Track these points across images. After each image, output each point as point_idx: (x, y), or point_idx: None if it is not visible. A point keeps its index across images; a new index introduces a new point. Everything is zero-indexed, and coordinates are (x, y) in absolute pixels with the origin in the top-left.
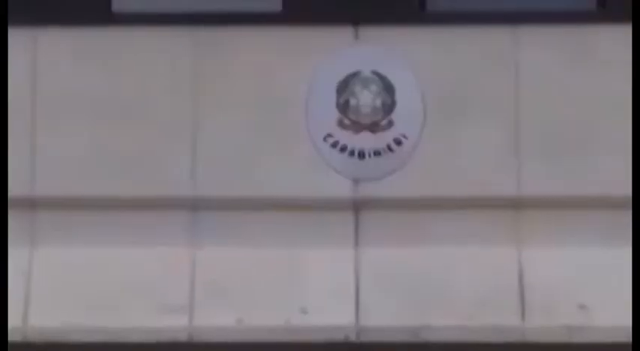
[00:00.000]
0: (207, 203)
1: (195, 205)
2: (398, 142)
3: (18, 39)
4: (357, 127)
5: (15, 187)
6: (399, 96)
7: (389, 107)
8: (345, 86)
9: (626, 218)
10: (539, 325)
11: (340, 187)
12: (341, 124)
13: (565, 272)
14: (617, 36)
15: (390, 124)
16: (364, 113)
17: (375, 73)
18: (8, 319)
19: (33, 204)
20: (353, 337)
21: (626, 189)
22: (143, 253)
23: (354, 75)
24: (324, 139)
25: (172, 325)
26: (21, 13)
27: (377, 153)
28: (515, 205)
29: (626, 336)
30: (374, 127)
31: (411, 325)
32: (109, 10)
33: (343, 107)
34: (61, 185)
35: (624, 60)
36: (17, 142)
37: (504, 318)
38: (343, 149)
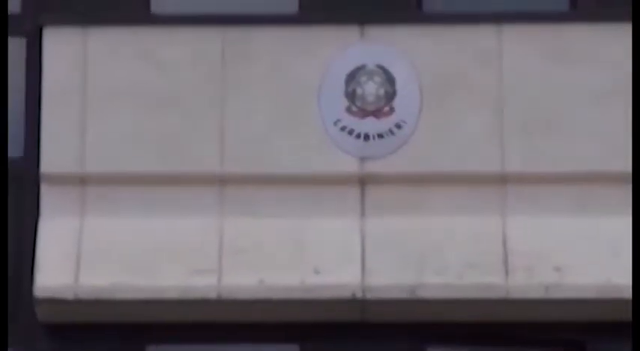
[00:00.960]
0: (232, 179)
1: (222, 181)
2: (398, 126)
3: (71, 36)
4: (363, 113)
5: (67, 165)
6: (399, 86)
7: (390, 96)
8: (352, 78)
9: (596, 192)
10: (520, 283)
11: (348, 165)
12: (349, 110)
13: (543, 239)
14: (586, 33)
15: (392, 110)
16: (369, 101)
17: (379, 67)
18: (61, 279)
19: (83, 179)
20: (359, 295)
21: (596, 166)
22: (178, 222)
23: (360, 68)
24: (334, 123)
25: (203, 284)
26: (73, 14)
27: (380, 135)
28: (500, 180)
29: (595, 293)
30: (377, 113)
31: (409, 284)
32: (149, 12)
33: (351, 96)
34: (107, 163)
35: (593, 53)
36: (69, 126)
37: (490, 278)
38: (351, 132)
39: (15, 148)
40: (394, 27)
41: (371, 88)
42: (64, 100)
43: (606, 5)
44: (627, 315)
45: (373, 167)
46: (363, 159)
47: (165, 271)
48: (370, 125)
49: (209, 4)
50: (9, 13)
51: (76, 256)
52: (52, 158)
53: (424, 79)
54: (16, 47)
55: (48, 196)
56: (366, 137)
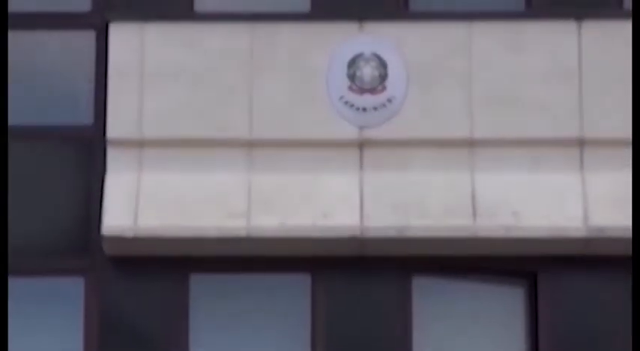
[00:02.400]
0: (259, 143)
1: (250, 144)
2: (389, 101)
3: (131, 29)
4: (361, 90)
5: (128, 131)
6: (390, 70)
7: (383, 77)
8: (353, 63)
9: (546, 153)
10: (485, 225)
11: (350, 132)
12: (350, 88)
13: (503, 190)
14: (538, 28)
15: (384, 88)
16: (366, 81)
17: (374, 54)
18: (123, 220)
19: (141, 143)
20: (358, 234)
21: (546, 133)
22: (215, 176)
23: (359, 55)
24: (339, 99)
25: (235, 225)
26: (132, 12)
27: (375, 108)
28: (470, 144)
29: (545, 232)
30: (373, 91)
31: (398, 225)
32: (192, 10)
33: (352, 77)
34: (159, 129)
35: (544, 44)
36: (129, 100)
37: (461, 220)
38: (352, 106)
39: (86, 118)
40: (386, 22)
41: (368, 71)
42: (125, 80)
43: (555, 5)
44: (569, 251)
45: (370, 134)
46: (361, 127)
47: (205, 215)
48: (367, 100)
49: (240, 3)
50: (80, 11)
51: (134, 203)
52: (116, 126)
53: (410, 64)
54: (88, 38)
55: (112, 156)
56: (364, 110)
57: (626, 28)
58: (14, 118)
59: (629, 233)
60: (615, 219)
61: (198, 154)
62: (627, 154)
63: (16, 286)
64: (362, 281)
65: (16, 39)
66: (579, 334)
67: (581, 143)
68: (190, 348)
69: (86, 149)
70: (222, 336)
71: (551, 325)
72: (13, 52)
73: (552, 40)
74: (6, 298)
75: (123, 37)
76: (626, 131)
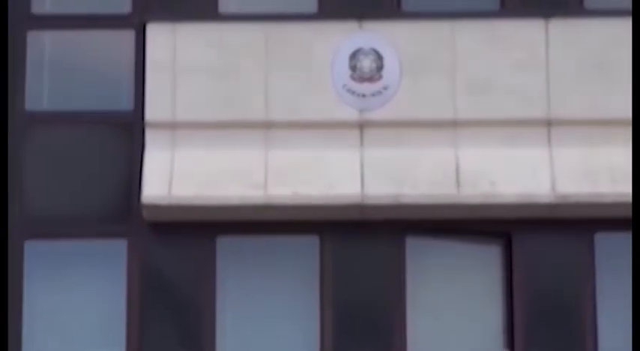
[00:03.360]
0: (274, 124)
1: (267, 125)
2: (385, 88)
3: (164, 29)
4: (361, 79)
5: (163, 115)
6: (385, 62)
7: (380, 68)
8: (353, 56)
9: (519, 132)
10: (467, 193)
11: (351, 115)
12: (352, 78)
13: (482, 163)
14: (512, 25)
15: (381, 77)
16: (365, 72)
17: (372, 49)
18: (159, 190)
19: (174, 125)
20: (359, 201)
21: (519, 114)
22: (237, 153)
23: (359, 49)
24: (342, 87)
25: (255, 194)
26: (166, 14)
27: (373, 95)
28: (453, 124)
29: (518, 199)
30: (371, 80)
31: (393, 194)
32: (217, 12)
33: (353, 68)
34: (190, 113)
35: (517, 39)
36: (163, 89)
37: (447, 189)
38: (353, 92)
39: (128, 104)
40: (382, 21)
41: (366, 63)
42: (160, 72)
43: (525, 6)
44: (538, 214)
45: (368, 116)
46: (361, 111)
47: (229, 186)
48: (366, 88)
49: (257, 5)
50: (122, 13)
51: (169, 175)
52: (153, 111)
53: (402, 56)
54: (128, 37)
55: (150, 137)
56: (364, 96)
57: (585, 24)
58: (69, 104)
59: (590, 199)
60: (578, 187)
61: (222, 135)
62: (589, 132)
63: (68, 248)
64: (362, 242)
65: (68, 37)
66: (548, 286)
67: (548, 123)
68: (217, 300)
69: (128, 131)
70: (244, 289)
71: (524, 278)
72: (66, 49)
73: (523, 35)
74: (6, 298)
75: (158, 35)
76: (588, 112)
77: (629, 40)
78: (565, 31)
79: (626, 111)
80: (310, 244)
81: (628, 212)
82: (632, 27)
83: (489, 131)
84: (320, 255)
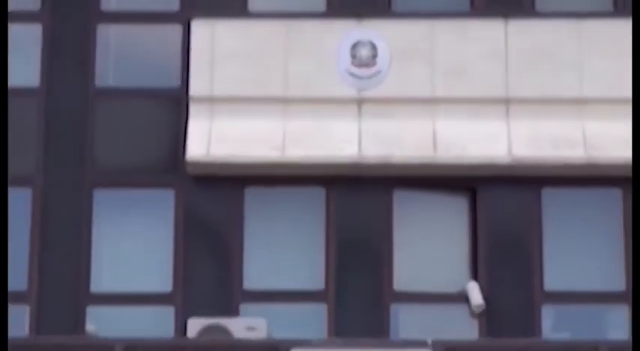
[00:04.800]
0: (291, 100)
1: (286, 101)
2: (379, 72)
3: (204, 24)
4: (360, 65)
5: (203, 91)
6: (379, 51)
7: (374, 56)
8: (354, 46)
9: (485, 108)
10: (442, 155)
11: (351, 93)
12: (352, 63)
13: (454, 132)
14: (479, 23)
15: (375, 63)
16: (363, 59)
17: (368, 41)
18: (200, 150)
19: (212, 99)
20: (357, 161)
21: (484, 94)
22: (261, 122)
23: (358, 41)
24: (345, 71)
25: (275, 155)
26: (205, 12)
27: (369, 77)
28: (432, 101)
29: (481, 160)
30: (367, 65)
31: (384, 155)
32: (247, 10)
33: (353, 56)
34: (224, 90)
35: (485, 35)
36: (204, 71)
37: (426, 152)
38: (353, 75)
39: (176, 82)
40: (376, 19)
41: (364, 53)
42: (201, 58)
43: (489, 7)
44: (498, 173)
45: (365, 94)
46: (359, 90)
47: (255, 148)
48: (363, 72)
49: (278, 5)
50: (171, 11)
51: (207, 139)
52: (196, 88)
53: (392, 47)
54: (177, 30)
55: (193, 108)
56: (361, 78)
57: (537, 23)
58: (130, 82)
59: (538, 161)
60: (529, 151)
61: (249, 107)
62: (538, 108)
63: (127, 196)
64: (359, 193)
65: (129, 29)
66: (505, 230)
67: (507, 101)
68: (244, 238)
69: (176, 103)
70: (266, 230)
71: (486, 223)
72: (127, 38)
73: (487, 31)
74: (6, 297)
75: (199, 29)
76: (538, 93)
77: (572, 35)
78: (520, 28)
79: (567, 91)
80: (318, 194)
81: (568, 172)
82: (633, 27)
83: (460, 107)
84: (325, 203)
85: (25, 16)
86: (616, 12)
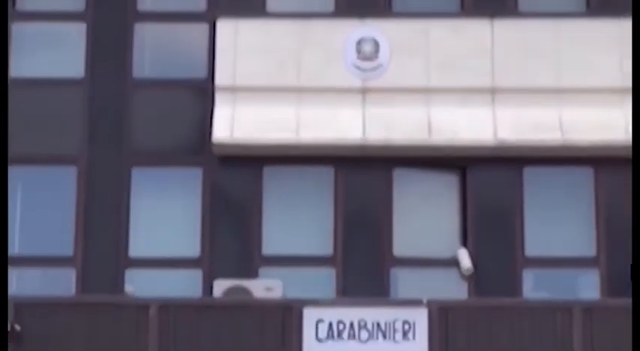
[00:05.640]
0: (304, 89)
1: (299, 90)
2: (380, 65)
3: (229, 23)
4: (363, 59)
5: (227, 81)
6: (381, 47)
7: (377, 51)
8: (359, 42)
9: (472, 96)
10: (437, 138)
11: (356, 83)
12: (357, 57)
13: (446, 118)
14: (469, 22)
15: (377, 57)
16: (367, 54)
17: (371, 37)
18: (224, 132)
19: (234, 89)
20: (362, 143)
21: (472, 84)
22: (278, 109)
23: (362, 38)
24: (351, 64)
25: (290, 137)
26: (229, 12)
27: (372, 69)
28: (426, 91)
29: (470, 142)
30: (371, 59)
31: (385, 138)
32: (265, 10)
33: (358, 51)
34: (245, 80)
35: (472, 32)
36: (228, 64)
37: (422, 135)
38: (358, 68)
39: (203, 74)
40: (378, 18)
41: (367, 48)
42: (226, 53)
43: (477, 7)
44: (485, 154)
45: (368, 84)
46: (364, 80)
47: (272, 131)
48: (367, 65)
49: (293, 6)
50: (199, 11)
51: (231, 120)
52: (220, 79)
53: (392, 43)
54: (204, 29)
55: (218, 97)
56: (365, 70)
57: (519, 22)
58: (163, 73)
59: (520, 143)
60: (512, 135)
61: (267, 95)
62: (520, 97)
63: (161, 174)
64: (364, 172)
65: (162, 27)
66: (490, 203)
67: (493, 91)
68: (263, 210)
69: (203, 92)
70: (282, 204)
71: (474, 198)
72: (160, 35)
73: (475, 29)
74: (6, 298)
75: (224, 27)
76: (520, 83)
77: (550, 33)
78: (505, 26)
79: (546, 82)
80: (327, 172)
81: (547, 153)
82: (632, 27)
83: (452, 96)
84: (334, 180)
85: (72, 16)
86: (589, 12)
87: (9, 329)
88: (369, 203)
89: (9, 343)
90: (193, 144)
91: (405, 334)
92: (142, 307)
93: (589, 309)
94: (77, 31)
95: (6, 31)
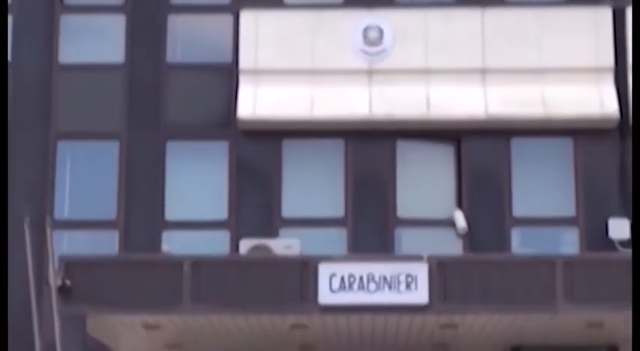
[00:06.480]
0: (318, 71)
1: (312, 72)
2: (384, 50)
3: (251, 14)
4: (370, 44)
5: (250, 65)
6: (385, 34)
7: (381, 37)
8: (365, 30)
9: (466, 77)
10: (434, 113)
11: (363, 65)
12: (364, 43)
13: (442, 95)
14: (461, 11)
15: (382, 43)
16: (372, 39)
17: (377, 25)
18: (248, 111)
19: (256, 71)
20: (368, 118)
21: (466, 66)
22: (292, 88)
23: (369, 26)
24: (359, 49)
25: (305, 113)
26: (251, 4)
27: (377, 53)
28: (425, 72)
29: (464, 116)
30: (376, 44)
31: (389, 113)
32: (283, 2)
33: (365, 37)
34: (266, 63)
35: (464, 22)
36: (250, 51)
37: (422, 110)
38: (365, 52)
39: (229, 58)
40: (383, 9)
41: (373, 34)
42: (248, 40)
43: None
44: (476, 127)
45: (374, 66)
46: (370, 63)
47: (289, 107)
48: (373, 49)
49: None
50: (224, 4)
51: (253, 99)
52: (244, 62)
53: (395, 31)
54: (229, 19)
55: (242, 78)
56: (371, 54)
57: (507, 11)
58: (194, 57)
59: (508, 117)
60: (501, 110)
61: (285, 77)
62: (508, 76)
63: (192, 146)
64: (370, 143)
65: (192, 20)
66: (482, 170)
67: (483, 71)
68: (282, 179)
69: (229, 74)
70: (299, 172)
71: (468, 166)
72: (191, 25)
73: (469, 17)
74: (6, 300)
75: (247, 17)
76: (508, 65)
77: (534, 20)
78: (494, 15)
79: (530, 63)
80: (338, 144)
81: (531, 126)
82: (633, 27)
83: (448, 76)
84: (344, 151)
85: (112, 9)
86: (567, 1)
87: (61, 284)
88: (375, 171)
89: (60, 297)
90: (220, 120)
91: (408, 285)
92: (176, 264)
93: (569, 262)
94: (117, 22)
95: (6, 30)
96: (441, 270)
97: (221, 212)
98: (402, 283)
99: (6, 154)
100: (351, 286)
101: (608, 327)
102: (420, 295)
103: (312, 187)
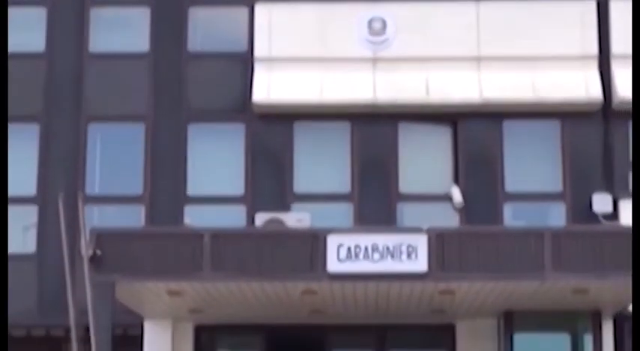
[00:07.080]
0: (327, 59)
1: (322, 60)
2: (387, 39)
3: (264, 7)
4: (374, 34)
5: (264, 53)
6: (388, 24)
7: (384, 28)
8: (370, 21)
9: (462, 63)
10: (432, 97)
11: (368, 54)
12: (369, 33)
13: (440, 81)
14: (459, 4)
15: (385, 33)
16: (376, 30)
17: (380, 17)
18: (262, 95)
19: (270, 59)
20: (373, 102)
21: (463, 53)
22: (303, 74)
23: (373, 17)
24: (364, 39)
25: (314, 98)
26: None
27: (381, 43)
28: (424, 59)
29: (460, 100)
30: (380, 34)
31: (392, 97)
32: None
33: (369, 28)
34: (279, 53)
35: (461, 13)
36: (264, 41)
37: (422, 95)
38: (370, 42)
39: (244, 47)
40: (386, 2)
41: (377, 25)
42: (262, 30)
43: None
44: (472, 110)
45: (378, 54)
46: (374, 51)
47: (300, 93)
48: (377, 38)
49: None
50: None
51: (268, 84)
52: (258, 51)
53: (397, 22)
54: (245, 12)
55: (257, 65)
56: (375, 43)
57: (500, 3)
58: (212, 46)
59: (501, 101)
60: (495, 94)
61: (297, 64)
62: (500, 63)
63: (211, 128)
64: (374, 125)
65: (211, 12)
66: (477, 150)
67: (478, 59)
68: (294, 158)
69: (244, 63)
70: (309, 152)
71: (464, 146)
72: (211, 15)
73: (465, 9)
74: (6, 300)
75: (261, 10)
76: (501, 52)
77: (527, 12)
78: (489, 7)
79: (522, 51)
80: (345, 126)
81: (522, 109)
82: (632, 26)
83: (446, 63)
84: (351, 133)
85: (138, 2)
86: None
87: (92, 254)
88: (379, 151)
89: (92, 266)
90: (237, 104)
91: (409, 255)
92: (197, 235)
93: (556, 234)
94: (143, 14)
95: (6, 30)
96: (439, 241)
97: (238, 188)
98: (403, 253)
99: (6, 154)
100: (356, 255)
101: (592, 293)
102: (420, 264)
103: (321, 165)
